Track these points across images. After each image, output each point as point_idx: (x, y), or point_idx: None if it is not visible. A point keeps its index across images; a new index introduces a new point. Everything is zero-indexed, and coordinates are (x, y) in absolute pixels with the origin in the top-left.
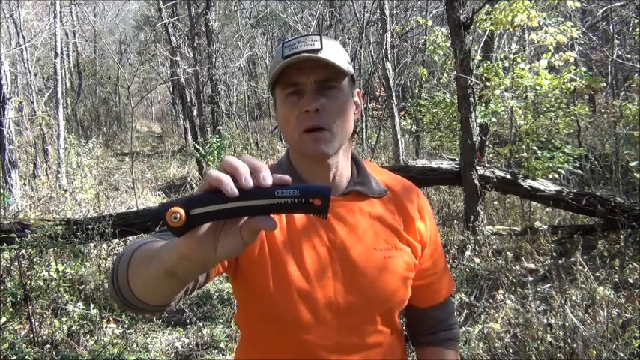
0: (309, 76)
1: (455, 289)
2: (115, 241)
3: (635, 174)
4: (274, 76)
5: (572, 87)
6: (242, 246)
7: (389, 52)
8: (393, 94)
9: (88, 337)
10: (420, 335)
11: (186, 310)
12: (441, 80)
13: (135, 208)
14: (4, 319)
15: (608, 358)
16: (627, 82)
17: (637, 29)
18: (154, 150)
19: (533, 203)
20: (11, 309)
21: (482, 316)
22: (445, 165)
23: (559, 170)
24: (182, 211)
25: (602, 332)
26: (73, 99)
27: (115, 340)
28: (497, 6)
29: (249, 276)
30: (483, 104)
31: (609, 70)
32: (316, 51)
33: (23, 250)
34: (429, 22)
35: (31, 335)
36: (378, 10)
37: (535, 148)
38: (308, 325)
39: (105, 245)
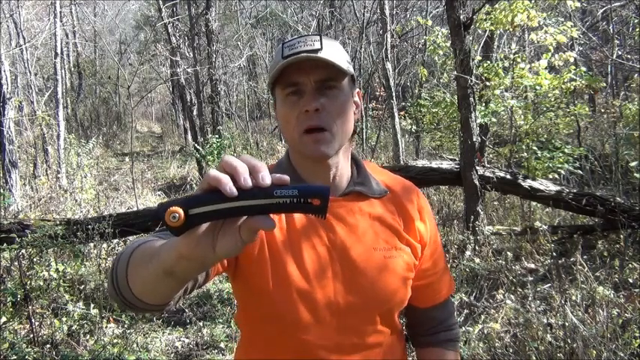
0: (309, 76)
1: (455, 289)
2: (115, 241)
3: (635, 174)
4: (274, 76)
5: (572, 87)
6: (241, 245)
7: (389, 52)
8: (393, 94)
9: (88, 337)
10: (420, 336)
11: (186, 310)
12: (441, 80)
13: (135, 208)
14: (4, 319)
15: (608, 358)
16: (627, 82)
17: (637, 29)
18: (154, 150)
19: (533, 203)
20: (11, 309)
21: (483, 316)
22: (445, 165)
23: (559, 170)
24: (181, 211)
25: (602, 332)
26: (73, 99)
27: (115, 340)
28: (497, 6)
29: (248, 276)
30: (483, 104)
31: (609, 70)
32: (316, 51)
33: (23, 250)
34: (429, 22)
35: (31, 335)
36: (378, 10)
37: (535, 148)
38: (307, 325)
39: (105, 245)
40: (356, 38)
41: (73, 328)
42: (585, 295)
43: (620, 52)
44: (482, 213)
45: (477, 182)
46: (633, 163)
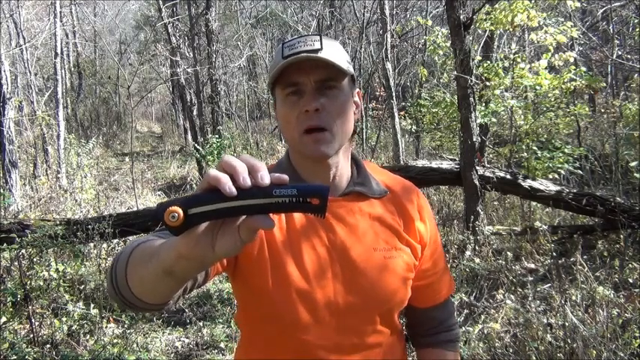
0: (309, 76)
1: (455, 289)
2: (115, 241)
3: (635, 174)
4: (274, 76)
5: (572, 87)
6: (240, 245)
7: (389, 52)
8: (393, 94)
9: (88, 337)
10: (420, 336)
11: (186, 310)
12: (441, 80)
13: (135, 208)
14: (4, 319)
15: (608, 358)
16: (627, 82)
17: (637, 29)
18: (154, 150)
19: (533, 203)
20: (11, 309)
21: (482, 316)
22: (445, 165)
23: (559, 170)
24: (180, 211)
25: (602, 332)
26: (73, 99)
27: (115, 340)
28: (497, 6)
29: (248, 276)
30: (483, 104)
31: (609, 70)
32: (316, 51)
33: (23, 250)
34: (429, 22)
35: (31, 335)
36: (378, 10)
37: (535, 148)
38: (307, 326)
39: (105, 245)
40: (356, 38)
41: (73, 328)
42: (585, 295)
43: (620, 52)
44: (482, 213)
45: (477, 182)
46: (633, 163)
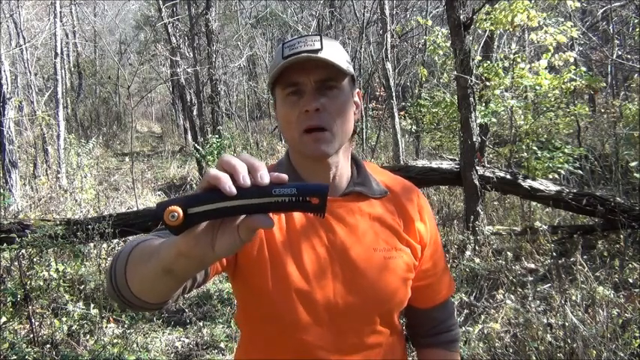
0: (310, 76)
1: (455, 289)
2: (115, 241)
3: (635, 174)
4: (274, 76)
5: (572, 87)
6: (239, 244)
7: (389, 52)
8: (393, 94)
9: (88, 337)
10: (420, 337)
11: (186, 310)
12: (441, 80)
13: (135, 208)
14: (4, 319)
15: (608, 358)
16: (627, 82)
17: (637, 29)
18: (154, 150)
19: (533, 203)
20: (11, 309)
21: (483, 316)
22: (445, 165)
23: (559, 170)
24: (180, 210)
25: (602, 332)
26: (73, 99)
27: (115, 340)
28: (497, 6)
29: (248, 275)
30: (483, 104)
31: (609, 70)
32: (316, 51)
33: (23, 250)
34: (429, 22)
35: (31, 335)
36: (378, 10)
37: (535, 148)
38: (306, 326)
39: (105, 245)
40: (356, 38)
41: (73, 328)
42: (585, 295)
43: (620, 52)
44: (482, 213)
45: (477, 182)
46: (633, 163)
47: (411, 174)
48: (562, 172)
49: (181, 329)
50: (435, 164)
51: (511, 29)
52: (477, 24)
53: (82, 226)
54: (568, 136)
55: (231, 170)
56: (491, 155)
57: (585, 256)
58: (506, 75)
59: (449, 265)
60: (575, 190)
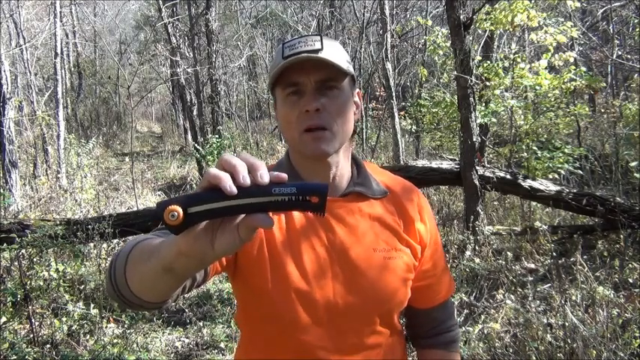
0: (310, 76)
1: (455, 289)
2: (115, 241)
3: (635, 174)
4: (274, 76)
5: (572, 87)
6: (239, 243)
7: (389, 52)
8: (393, 94)
9: (88, 337)
10: (420, 337)
11: (186, 310)
12: (441, 80)
13: (135, 208)
14: (4, 319)
15: (608, 358)
16: (627, 82)
17: (637, 29)
18: (154, 150)
19: (533, 203)
20: (11, 309)
21: (483, 316)
22: (445, 165)
23: (559, 170)
24: (180, 209)
25: (602, 332)
26: (73, 99)
27: (115, 340)
28: (497, 6)
29: (248, 275)
30: (483, 104)
31: (609, 70)
32: (317, 51)
33: (23, 250)
34: (429, 22)
35: (31, 335)
36: (378, 10)
37: (535, 148)
38: (306, 326)
39: (105, 245)
40: (356, 38)
41: (73, 328)
42: (585, 295)
43: (620, 52)
44: (482, 213)
45: (477, 182)
46: (633, 163)
47: (411, 174)
48: (562, 172)
49: (181, 329)
50: (435, 164)
51: (511, 29)
52: (477, 24)
53: (82, 226)
54: (568, 136)
55: (231, 169)
56: (491, 155)
57: (585, 256)
58: (506, 75)
59: (449, 265)
60: (575, 190)
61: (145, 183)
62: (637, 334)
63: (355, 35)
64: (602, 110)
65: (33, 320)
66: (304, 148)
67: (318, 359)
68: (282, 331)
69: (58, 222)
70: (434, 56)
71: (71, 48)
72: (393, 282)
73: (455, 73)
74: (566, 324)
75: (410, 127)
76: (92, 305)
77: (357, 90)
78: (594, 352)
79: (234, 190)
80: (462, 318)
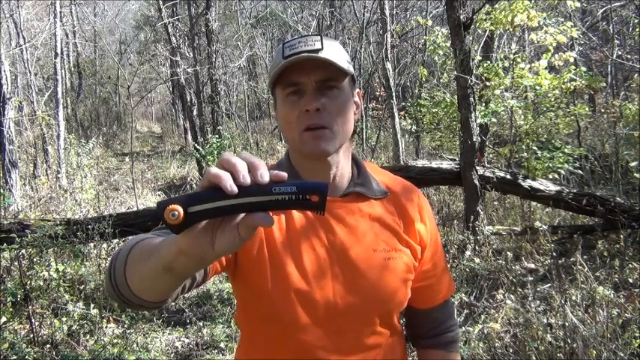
0: (310, 76)
1: (455, 289)
2: (115, 241)
3: (635, 174)
4: (275, 76)
5: (572, 87)
6: (239, 242)
7: (389, 52)
8: (393, 94)
9: (88, 337)
10: (420, 338)
11: (186, 310)
12: (441, 80)
13: (135, 208)
14: (4, 319)
15: (608, 358)
16: (627, 82)
17: (637, 29)
18: (154, 150)
19: (533, 203)
20: (11, 309)
21: (483, 316)
22: (445, 165)
23: (559, 170)
24: (180, 209)
25: (602, 332)
26: (73, 99)
27: (115, 340)
28: (497, 6)
29: (248, 275)
30: (483, 104)
31: (609, 70)
32: (317, 51)
33: (23, 250)
34: (429, 22)
35: (31, 335)
36: (378, 10)
37: (535, 148)
38: (306, 326)
39: (105, 245)
40: (356, 38)
41: (73, 328)
42: (585, 295)
43: (620, 52)
44: (482, 213)
45: (477, 182)
46: (633, 163)
47: (411, 174)
48: (562, 172)
49: (181, 329)
50: (435, 164)
51: (511, 29)
52: (477, 24)
53: (82, 226)
54: (568, 136)
55: (232, 169)
56: (491, 155)
57: (585, 256)
58: (506, 75)
59: (449, 265)
60: (575, 190)
61: (145, 183)
62: (637, 334)
63: (355, 35)
64: (602, 110)
65: (33, 320)
66: (304, 147)
67: (318, 359)
68: (282, 331)
69: (58, 222)
70: (434, 56)
71: (71, 48)
72: (393, 282)
73: (455, 73)
74: (566, 324)
75: (410, 127)
76: (92, 305)
77: (357, 90)
78: (594, 352)
79: (235, 189)
80: (462, 318)
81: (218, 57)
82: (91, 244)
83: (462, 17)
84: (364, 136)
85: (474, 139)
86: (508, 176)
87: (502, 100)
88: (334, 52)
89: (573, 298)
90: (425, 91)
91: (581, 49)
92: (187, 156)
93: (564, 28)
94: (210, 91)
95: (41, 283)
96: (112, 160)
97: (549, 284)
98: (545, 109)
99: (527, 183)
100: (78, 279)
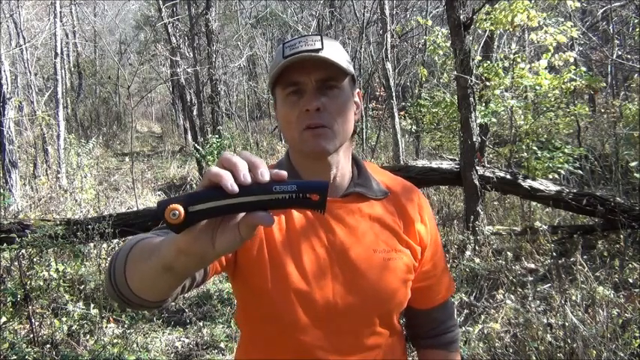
0: (310, 76)
1: (455, 289)
2: (115, 241)
3: (635, 174)
4: (275, 75)
5: (572, 87)
6: (239, 241)
7: (389, 52)
8: (393, 94)
9: (88, 337)
10: (420, 338)
11: (186, 310)
12: (441, 80)
13: (135, 208)
14: (4, 319)
15: (608, 358)
16: (627, 82)
17: (637, 29)
18: (154, 150)
19: (533, 203)
20: (11, 309)
21: (483, 316)
22: (445, 165)
23: (559, 170)
24: (181, 208)
25: (602, 332)
26: (73, 99)
27: (115, 340)
28: (497, 6)
29: (248, 275)
30: (483, 104)
31: (609, 70)
32: (317, 50)
33: (23, 250)
34: (429, 22)
35: (31, 335)
36: (378, 10)
37: (535, 148)
38: (305, 326)
39: (105, 245)
40: (356, 38)
41: (73, 328)
42: (585, 295)
43: (620, 52)
44: (482, 213)
45: (477, 182)
46: (633, 163)
47: (411, 174)
48: (562, 172)
49: (181, 329)
50: (435, 164)
51: (511, 29)
52: (477, 24)
53: (82, 226)
54: (568, 136)
55: (232, 168)
56: (491, 155)
57: (585, 256)
58: (506, 75)
59: (449, 265)
60: (575, 190)
61: (145, 183)
62: (637, 334)
63: (355, 35)
64: (602, 110)
65: (33, 320)
66: (305, 146)
67: (318, 359)
68: (281, 331)
69: (58, 222)
70: (434, 56)
71: (71, 48)
72: (393, 283)
73: (455, 73)
74: (566, 324)
75: (410, 127)
76: (92, 305)
77: (357, 90)
78: (594, 352)
79: (236, 188)
80: (462, 318)
81: (218, 57)
82: (91, 244)
83: (462, 17)
84: (364, 136)
85: (474, 139)
86: (508, 176)
87: (502, 100)
88: (334, 51)
89: (573, 298)
90: (425, 91)
91: (581, 49)
92: (187, 156)
93: (564, 28)
94: (210, 91)
95: (41, 283)
96: (112, 160)
97: (549, 284)
98: (545, 109)
99: (527, 183)
100: (78, 279)
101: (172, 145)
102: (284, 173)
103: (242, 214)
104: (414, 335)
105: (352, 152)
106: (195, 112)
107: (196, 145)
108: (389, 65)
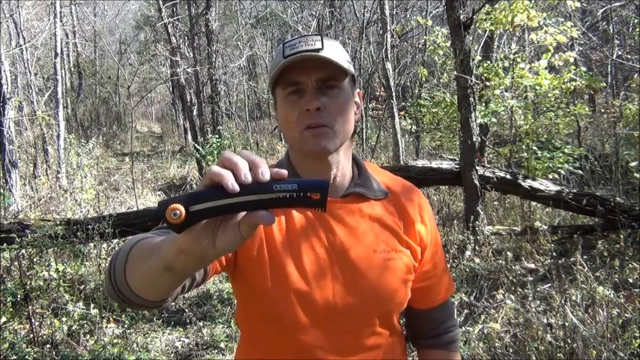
0: (310, 76)
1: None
2: (115, 241)
3: (635, 174)
4: (275, 75)
5: (572, 87)
6: (240, 241)
7: (389, 52)
8: (393, 94)
9: (88, 337)
10: (420, 338)
11: (186, 310)
12: (441, 80)
13: (135, 208)
14: (4, 319)
15: (608, 358)
16: (627, 82)
17: (637, 29)
18: (154, 150)
19: (533, 203)
20: (11, 309)
21: (482, 316)
22: (445, 165)
23: (559, 170)
24: (182, 208)
25: (602, 332)
26: (73, 99)
27: (115, 340)
28: (497, 6)
29: (248, 275)
30: (483, 104)
31: (609, 70)
32: (317, 50)
33: (23, 250)
34: (429, 22)
35: (31, 335)
36: (378, 10)
37: (535, 148)
38: (305, 326)
39: (105, 245)
40: (356, 38)
41: (73, 328)
42: (585, 295)
43: (620, 52)
44: (482, 213)
45: (477, 182)
46: (633, 163)
47: (411, 174)
48: (562, 172)
49: (181, 329)
50: (435, 164)
51: (511, 29)
52: (477, 24)
53: (82, 226)
54: (568, 136)
55: (233, 167)
56: (491, 155)
57: (585, 256)
58: (506, 75)
59: (449, 265)
60: (575, 190)
61: (145, 183)
62: (637, 334)
63: (355, 35)
64: (602, 110)
65: (33, 320)
66: (305, 145)
67: (317, 359)
68: (281, 331)
69: (58, 222)
70: (434, 56)
71: (71, 48)
72: (393, 283)
73: (455, 73)
74: (566, 324)
75: (410, 127)
76: (92, 305)
77: (358, 90)
78: (594, 352)
79: (236, 187)
80: (462, 318)
81: (218, 57)
82: (91, 244)
83: (462, 17)
84: (364, 136)
85: (474, 139)
86: (508, 176)
87: (502, 100)
88: (335, 51)
89: (573, 298)
90: (425, 91)
91: (581, 49)
92: (187, 156)
93: (564, 28)
94: (210, 91)
95: (41, 283)
96: (112, 160)
97: (549, 284)
98: (545, 109)
99: (527, 183)
100: (78, 279)
101: (172, 145)
102: (284, 172)
103: (243, 214)
104: (414, 335)
105: (352, 152)
106: (195, 112)
107: (196, 145)
108: (389, 65)
